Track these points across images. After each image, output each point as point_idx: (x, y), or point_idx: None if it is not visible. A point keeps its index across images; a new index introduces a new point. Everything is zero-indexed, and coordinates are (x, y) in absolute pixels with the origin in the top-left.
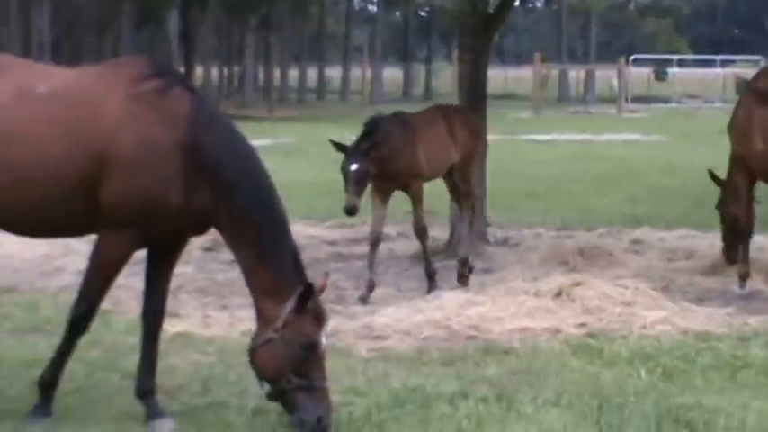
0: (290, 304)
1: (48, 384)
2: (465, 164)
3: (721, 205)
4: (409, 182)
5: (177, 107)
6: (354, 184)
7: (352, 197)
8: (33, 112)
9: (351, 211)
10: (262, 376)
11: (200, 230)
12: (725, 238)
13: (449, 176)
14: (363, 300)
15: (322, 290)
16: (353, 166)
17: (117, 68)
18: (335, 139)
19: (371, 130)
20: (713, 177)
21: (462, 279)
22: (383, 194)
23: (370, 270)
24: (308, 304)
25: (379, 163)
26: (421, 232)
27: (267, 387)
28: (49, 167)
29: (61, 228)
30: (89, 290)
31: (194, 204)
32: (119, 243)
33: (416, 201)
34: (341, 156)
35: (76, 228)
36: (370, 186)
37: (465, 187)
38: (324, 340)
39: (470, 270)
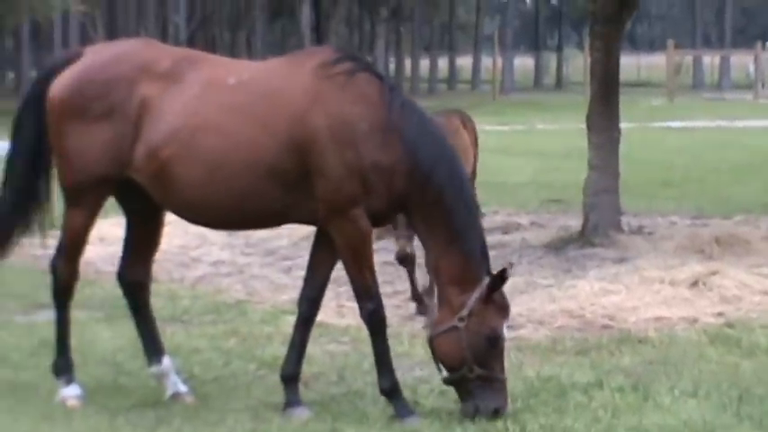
0: (476, 293)
1: (392, 390)
2: (473, 176)
3: None
4: None
5: (367, 89)
6: None
7: None
8: (225, 102)
9: None
10: (442, 363)
11: (390, 218)
12: None
13: None
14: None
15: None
16: None
17: (303, 57)
18: None
19: None
20: None
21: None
22: None
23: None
24: (495, 295)
25: None
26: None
27: (445, 372)
28: (242, 156)
29: (254, 219)
30: (363, 288)
31: (395, 187)
32: (353, 227)
33: None
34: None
35: (269, 219)
36: None
37: None
38: (506, 333)
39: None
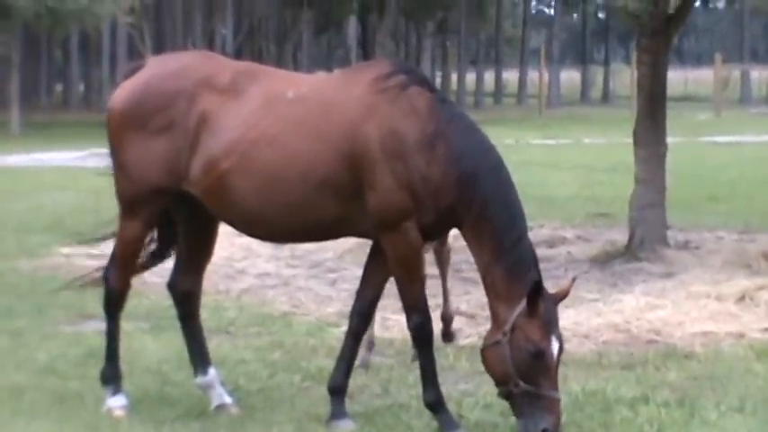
0: (519, 308)
1: (437, 403)
2: None
3: None
4: None
5: (417, 102)
6: None
7: None
8: (283, 115)
9: None
10: (491, 377)
11: (445, 231)
12: None
13: None
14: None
15: (564, 296)
16: None
17: (360, 70)
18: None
19: None
20: None
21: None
22: None
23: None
24: (539, 309)
25: None
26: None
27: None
28: (298, 169)
29: (310, 232)
30: (412, 301)
31: (443, 200)
32: (404, 239)
33: None
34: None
35: (325, 232)
36: None
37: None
38: (555, 348)
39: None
